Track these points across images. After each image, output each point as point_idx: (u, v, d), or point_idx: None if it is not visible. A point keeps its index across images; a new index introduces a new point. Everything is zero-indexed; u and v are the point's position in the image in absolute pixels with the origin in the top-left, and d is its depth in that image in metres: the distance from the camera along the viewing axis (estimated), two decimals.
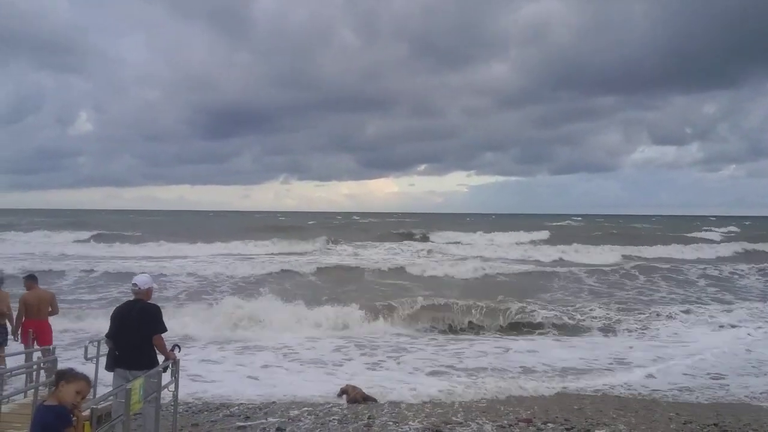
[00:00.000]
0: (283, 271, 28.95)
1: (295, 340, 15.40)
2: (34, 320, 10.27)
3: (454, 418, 9.43)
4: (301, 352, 14.40)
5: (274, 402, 10.33)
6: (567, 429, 8.93)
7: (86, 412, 4.14)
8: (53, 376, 4.16)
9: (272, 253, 39.72)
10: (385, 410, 9.91)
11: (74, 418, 3.87)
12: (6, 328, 10.13)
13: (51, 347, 9.39)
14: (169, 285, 24.45)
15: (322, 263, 31.98)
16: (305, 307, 18.10)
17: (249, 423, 9.04)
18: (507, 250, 42.95)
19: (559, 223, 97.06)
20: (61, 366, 6.29)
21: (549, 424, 9.11)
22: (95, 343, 7.96)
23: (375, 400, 10.42)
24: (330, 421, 9.22)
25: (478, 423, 9.19)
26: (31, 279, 10.72)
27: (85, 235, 50.61)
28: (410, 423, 9.18)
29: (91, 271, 27.81)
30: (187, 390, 10.26)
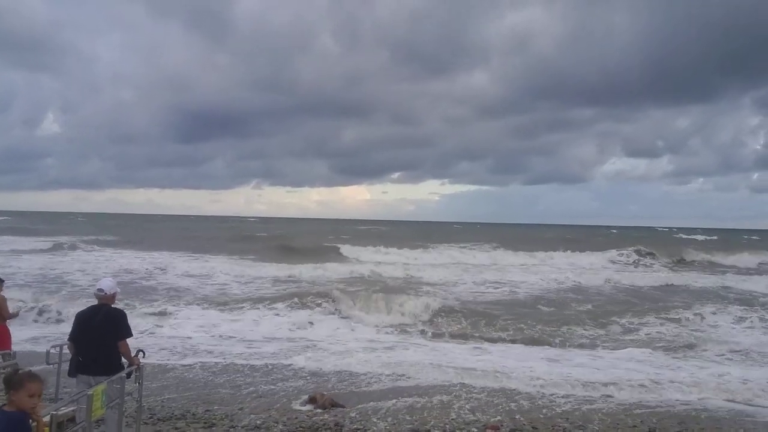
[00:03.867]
0: None
1: None
2: None
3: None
4: None
5: (241, 409, 10.22)
6: None
7: (46, 418, 4.05)
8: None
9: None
10: (354, 417, 9.87)
11: (34, 423, 3.79)
12: None
13: (10, 352, 9.20)
14: None
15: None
16: None
17: (214, 430, 8.92)
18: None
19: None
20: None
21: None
22: (57, 348, 7.80)
23: (343, 407, 10.37)
24: (297, 429, 9.15)
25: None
26: None
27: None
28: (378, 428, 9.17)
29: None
30: None
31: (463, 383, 12.32)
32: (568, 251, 47.12)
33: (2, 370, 7.29)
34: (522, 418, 10.06)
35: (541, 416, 10.27)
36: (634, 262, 45.42)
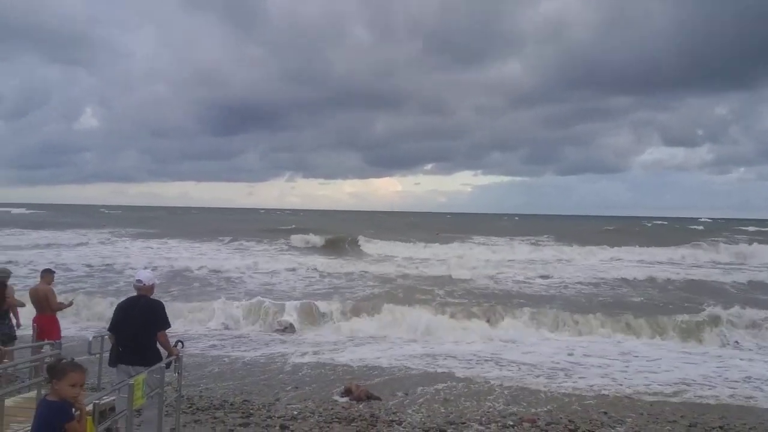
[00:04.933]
0: None
1: None
2: (38, 315, 10.32)
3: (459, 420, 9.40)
4: None
5: (278, 399, 10.31)
6: None
7: (89, 407, 4.12)
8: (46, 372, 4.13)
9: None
10: (389, 409, 9.88)
11: (76, 411, 3.85)
12: (12, 323, 10.17)
13: (57, 342, 9.43)
14: None
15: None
16: None
17: (252, 420, 9.02)
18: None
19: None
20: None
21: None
22: (99, 338, 7.96)
23: (379, 399, 10.38)
24: (333, 419, 9.19)
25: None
26: (44, 273, 10.82)
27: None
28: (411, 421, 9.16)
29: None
30: None
31: (500, 375, 12.27)
32: (636, 246, 43.92)
33: (46, 360, 7.48)
34: (559, 412, 9.95)
35: (579, 409, 10.14)
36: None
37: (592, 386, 11.57)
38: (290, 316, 17.16)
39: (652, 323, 17.28)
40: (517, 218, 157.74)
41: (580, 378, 12.19)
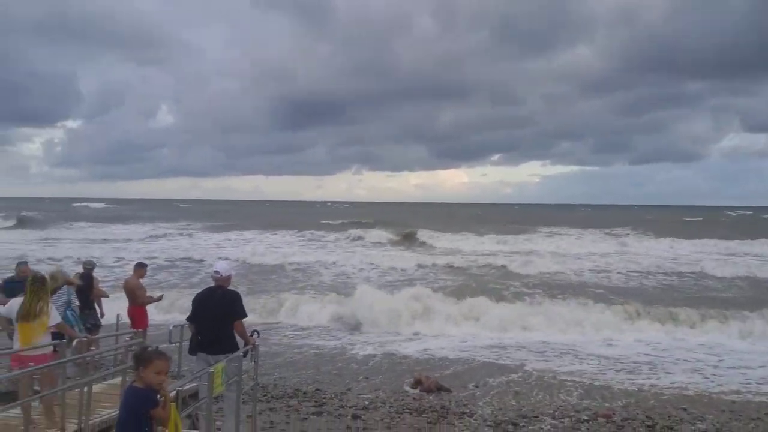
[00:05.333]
0: None
1: None
2: (129, 306, 10.84)
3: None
4: None
5: (350, 389, 10.45)
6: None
7: (172, 394, 4.27)
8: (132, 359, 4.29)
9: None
10: (460, 401, 9.84)
11: (161, 398, 3.99)
12: (97, 313, 10.68)
13: (141, 331, 9.88)
14: None
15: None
16: None
17: (324, 409, 9.18)
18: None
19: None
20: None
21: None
22: (179, 328, 8.26)
23: (449, 391, 10.36)
24: (404, 410, 9.24)
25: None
26: (136, 266, 11.33)
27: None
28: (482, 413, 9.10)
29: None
30: None
31: (577, 368, 12.03)
32: (720, 238, 41.73)
33: (130, 348, 7.83)
34: (636, 407, 9.66)
35: (656, 405, 9.82)
36: None
37: (674, 382, 11.16)
38: (360, 310, 17.31)
39: (744, 319, 16.41)
40: (587, 209, 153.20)
41: (666, 374, 11.80)
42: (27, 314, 6.41)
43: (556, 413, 9.29)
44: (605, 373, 11.75)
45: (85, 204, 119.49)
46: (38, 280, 6.66)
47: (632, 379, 11.33)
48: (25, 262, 10.30)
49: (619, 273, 26.24)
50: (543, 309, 17.58)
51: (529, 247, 38.68)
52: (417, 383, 10.63)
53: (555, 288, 21.91)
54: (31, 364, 6.22)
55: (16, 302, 6.56)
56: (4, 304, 8.63)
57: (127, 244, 39.06)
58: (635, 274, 25.99)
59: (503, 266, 27.53)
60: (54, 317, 6.68)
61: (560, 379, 11.26)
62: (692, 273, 26.42)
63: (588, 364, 12.56)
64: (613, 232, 51.47)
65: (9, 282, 9.70)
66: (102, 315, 11.04)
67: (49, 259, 27.54)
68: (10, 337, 6.71)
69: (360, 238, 43.81)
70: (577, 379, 11.28)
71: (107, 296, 11.52)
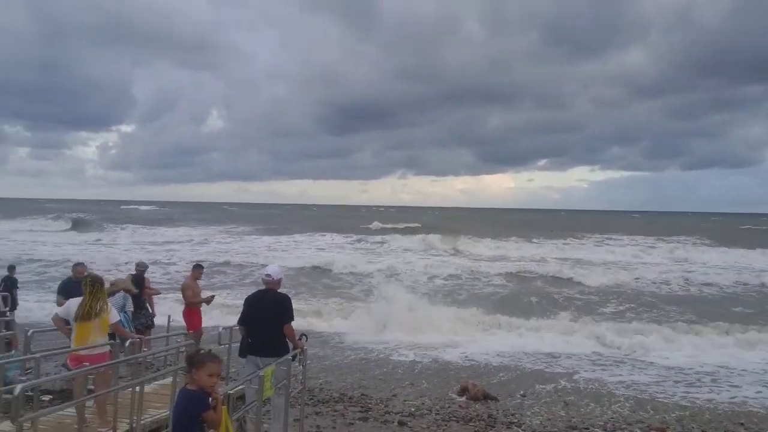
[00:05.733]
0: None
1: None
2: (184, 307, 11.06)
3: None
4: None
5: (395, 395, 10.40)
6: None
7: (223, 396, 4.30)
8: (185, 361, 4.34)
9: None
10: (507, 410, 9.69)
11: (213, 401, 4.02)
12: (150, 312, 10.92)
13: (194, 332, 10.04)
14: None
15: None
16: None
17: (370, 414, 9.15)
18: None
19: None
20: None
21: None
22: (228, 330, 8.37)
23: (496, 399, 10.21)
24: (450, 418, 9.14)
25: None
26: (193, 267, 11.59)
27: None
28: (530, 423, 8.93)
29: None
30: None
31: (632, 379, 11.72)
32: None
33: (181, 350, 7.96)
34: (690, 421, 9.33)
35: (711, 419, 9.46)
36: None
37: (735, 397, 10.74)
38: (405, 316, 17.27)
39: None
40: (637, 216, 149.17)
41: (730, 387, 11.39)
42: (86, 314, 6.56)
43: (608, 425, 9.06)
44: (661, 385, 11.40)
45: (134, 207, 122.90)
46: (96, 281, 6.82)
47: (690, 392, 10.97)
48: (82, 263, 10.62)
49: (677, 282, 25.41)
50: (596, 317, 17.22)
51: (581, 254, 37.63)
52: (463, 391, 10.51)
53: (611, 296, 21.43)
54: (86, 363, 6.37)
55: (73, 303, 6.72)
56: (60, 305, 8.91)
57: (179, 245, 39.96)
58: (695, 284, 25.14)
59: (555, 276, 26.83)
60: (114, 315, 6.84)
61: (613, 390, 10.98)
62: (758, 284, 25.27)
63: (645, 374, 12.21)
64: (667, 239, 49.88)
65: (66, 282, 10.02)
66: (153, 314, 11.29)
67: (107, 262, 28.37)
68: (68, 336, 6.89)
69: (404, 242, 43.71)
70: (630, 390, 10.98)
71: (159, 293, 11.78)
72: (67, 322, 6.76)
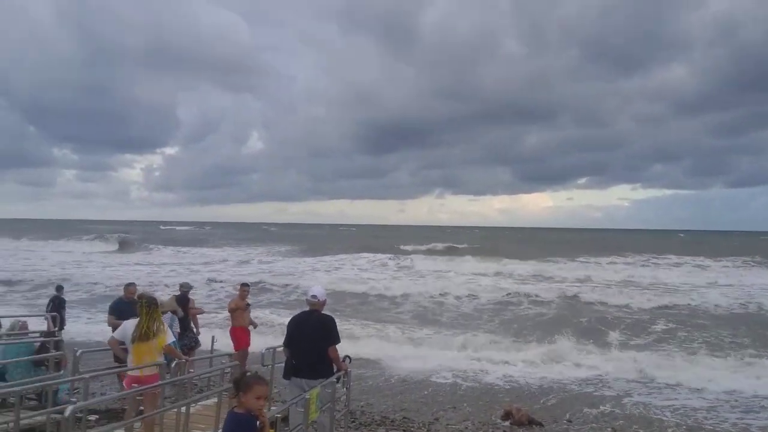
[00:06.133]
0: None
1: None
2: (231, 326, 11.19)
3: None
4: None
5: (437, 419, 10.25)
6: None
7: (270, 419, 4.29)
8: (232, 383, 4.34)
9: None
10: None
11: (260, 424, 4.01)
12: (194, 333, 11.04)
13: (240, 351, 10.11)
14: None
15: None
16: None
17: None
18: None
19: None
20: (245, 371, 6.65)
21: None
22: (271, 351, 8.38)
23: (541, 424, 9.97)
24: None
25: None
26: (240, 286, 11.74)
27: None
28: None
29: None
30: None
31: (685, 404, 11.34)
32: None
33: (226, 371, 7.98)
34: None
35: None
36: None
37: None
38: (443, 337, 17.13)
39: None
40: (683, 234, 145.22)
41: None
42: (143, 335, 6.67)
43: None
44: (714, 411, 11.00)
45: (172, 227, 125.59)
46: (151, 302, 6.92)
47: (744, 419, 10.54)
48: (133, 283, 10.82)
49: (731, 303, 24.36)
50: (645, 338, 16.74)
51: (628, 274, 36.04)
52: (507, 415, 10.30)
53: (661, 317, 20.84)
54: (135, 385, 6.45)
55: (129, 324, 6.84)
56: (111, 325, 9.06)
57: (221, 265, 40.50)
58: (750, 305, 24.03)
59: (602, 298, 25.70)
60: (170, 336, 6.93)
61: (663, 415, 10.62)
62: None
63: (697, 399, 11.80)
64: (718, 259, 48.23)
65: (118, 302, 10.21)
66: (198, 333, 11.42)
67: (151, 282, 28.90)
68: (123, 358, 6.99)
69: (443, 263, 43.34)
70: (681, 416, 10.61)
71: (203, 312, 11.91)
72: (122, 343, 6.87)
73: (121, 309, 9.49)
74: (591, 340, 17.06)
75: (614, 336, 17.74)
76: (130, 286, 10.44)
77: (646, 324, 19.71)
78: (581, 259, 46.21)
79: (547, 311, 22.63)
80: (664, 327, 19.27)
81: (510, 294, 26.63)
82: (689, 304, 23.93)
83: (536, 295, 26.23)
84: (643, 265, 43.81)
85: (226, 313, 12.45)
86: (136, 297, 8.44)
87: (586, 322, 20.00)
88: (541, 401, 11.61)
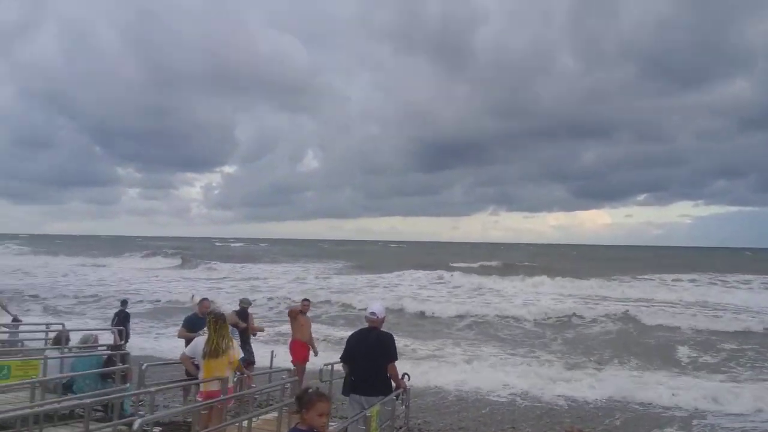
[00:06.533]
0: None
1: None
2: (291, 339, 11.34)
3: None
4: None
5: None
6: None
7: None
8: (293, 398, 4.35)
9: None
10: None
11: None
12: (252, 348, 11.18)
13: (298, 364, 10.18)
14: None
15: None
16: None
17: None
18: None
19: None
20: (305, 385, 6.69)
21: None
22: (329, 367, 8.42)
23: None
24: None
25: None
26: (302, 301, 11.89)
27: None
28: None
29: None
30: None
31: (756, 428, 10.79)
32: None
33: (286, 386, 8.06)
34: None
35: None
36: None
37: None
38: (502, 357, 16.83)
39: None
40: (750, 252, 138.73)
41: None
42: (213, 351, 6.82)
43: None
44: None
45: (226, 243, 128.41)
46: (219, 318, 7.07)
47: None
48: (207, 299, 11.02)
49: None
50: (713, 356, 16.00)
51: (695, 293, 34.44)
52: None
53: (731, 339, 19.94)
54: (199, 399, 6.59)
55: (200, 341, 7.01)
56: (182, 337, 9.29)
57: (279, 281, 41.05)
58: None
59: (667, 320, 24.42)
60: (239, 352, 7.07)
61: None
62: None
63: None
64: None
65: (192, 317, 10.41)
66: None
67: (210, 297, 29.49)
68: (194, 373, 7.15)
69: (497, 281, 42.62)
70: None
71: (263, 330, 12.06)
72: (193, 359, 7.03)
73: (193, 323, 9.70)
74: (658, 361, 16.47)
75: (683, 357, 17.08)
76: (204, 301, 10.62)
77: (717, 346, 18.87)
78: (644, 277, 44.72)
79: (610, 330, 22.00)
80: (737, 349, 18.41)
81: (568, 313, 25.95)
82: (761, 325, 22.78)
83: (599, 314, 25.48)
84: (711, 283, 41.99)
85: (284, 329, 12.59)
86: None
87: (653, 343, 19.37)
88: (605, 422, 11.25)
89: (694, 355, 17.59)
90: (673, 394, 13.14)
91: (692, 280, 43.19)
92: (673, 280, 42.79)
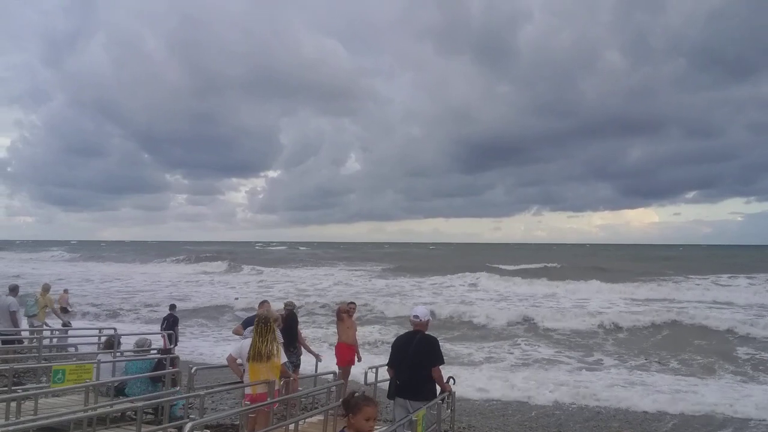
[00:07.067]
0: None
1: None
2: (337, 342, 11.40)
3: None
4: None
5: None
6: None
7: None
8: (340, 401, 4.36)
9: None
10: None
11: None
12: (300, 352, 11.25)
13: (343, 367, 10.21)
14: None
15: None
16: None
17: None
18: None
19: None
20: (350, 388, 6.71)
21: None
22: (374, 370, 8.43)
23: None
24: None
25: None
26: (348, 304, 12.00)
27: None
28: None
29: None
30: None
31: None
32: None
33: (332, 390, 8.10)
34: None
35: None
36: None
37: None
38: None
39: None
40: None
41: None
42: (257, 355, 6.90)
43: None
44: None
45: (267, 247, 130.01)
46: (264, 322, 7.14)
47: None
48: (266, 301, 11.15)
49: None
50: None
51: (755, 294, 33.17)
52: None
53: None
54: (247, 402, 6.68)
55: (245, 343, 7.11)
56: (237, 333, 9.42)
57: (324, 284, 41.33)
58: None
59: (728, 325, 22.32)
60: (282, 357, 7.13)
61: None
62: None
63: None
64: None
65: (251, 318, 10.52)
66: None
67: (256, 301, 29.90)
68: (240, 376, 7.25)
69: (541, 284, 41.97)
70: None
71: (304, 340, 12.15)
72: (239, 362, 7.14)
73: (249, 323, 9.85)
74: (713, 365, 15.97)
75: (740, 361, 16.47)
76: (263, 303, 10.75)
77: None
78: (696, 276, 43.41)
79: (662, 332, 21.43)
80: None
81: (618, 315, 25.17)
82: None
83: (652, 316, 24.26)
84: None
85: (329, 331, 12.65)
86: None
87: (706, 346, 18.76)
88: (655, 426, 10.97)
89: (755, 360, 16.98)
90: (732, 400, 12.72)
91: (749, 278, 41.57)
92: (728, 277, 41.37)
